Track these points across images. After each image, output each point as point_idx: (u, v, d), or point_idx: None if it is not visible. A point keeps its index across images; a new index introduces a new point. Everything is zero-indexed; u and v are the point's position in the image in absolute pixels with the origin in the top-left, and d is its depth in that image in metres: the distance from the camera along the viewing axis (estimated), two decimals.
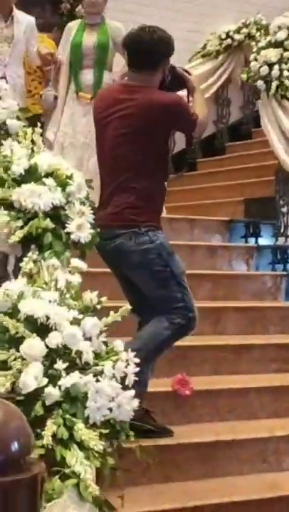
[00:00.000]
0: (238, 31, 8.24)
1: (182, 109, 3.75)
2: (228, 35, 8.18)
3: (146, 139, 3.68)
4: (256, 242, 5.92)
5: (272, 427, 3.95)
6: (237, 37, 8.20)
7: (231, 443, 3.76)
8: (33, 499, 1.88)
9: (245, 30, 8.23)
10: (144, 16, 8.18)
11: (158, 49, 3.71)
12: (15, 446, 1.84)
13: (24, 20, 6.01)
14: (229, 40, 8.17)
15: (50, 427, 2.18)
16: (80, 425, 2.22)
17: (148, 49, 3.73)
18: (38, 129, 3.56)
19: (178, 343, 4.26)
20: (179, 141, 7.46)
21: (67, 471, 2.14)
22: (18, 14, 6.01)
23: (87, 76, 6.06)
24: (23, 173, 3.19)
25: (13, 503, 1.81)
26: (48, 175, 3.23)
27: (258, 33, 7.82)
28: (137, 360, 2.46)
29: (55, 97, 6.16)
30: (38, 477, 1.91)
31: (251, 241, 5.97)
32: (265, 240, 5.90)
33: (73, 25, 6.25)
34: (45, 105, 6.28)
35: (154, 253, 3.66)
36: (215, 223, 5.82)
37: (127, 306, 2.72)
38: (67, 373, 2.34)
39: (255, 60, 5.78)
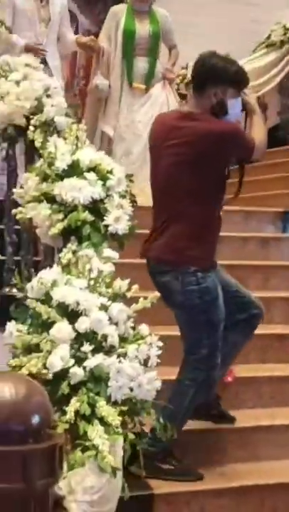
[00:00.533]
0: None
1: (239, 138, 3.70)
2: None
3: (202, 168, 3.61)
4: None
5: None
6: None
7: (270, 428, 3.92)
8: (51, 467, 2.10)
9: None
10: (210, 4, 8.35)
11: (207, 76, 3.68)
12: (35, 418, 2.07)
13: (58, 1, 6.03)
14: None
15: (74, 404, 2.40)
16: (101, 403, 2.43)
17: (199, 73, 3.77)
18: (83, 126, 3.80)
19: None
20: None
21: (87, 443, 2.35)
22: None
23: (140, 65, 6.11)
24: (66, 168, 3.40)
25: (32, 469, 2.03)
26: (90, 169, 3.44)
27: None
28: (160, 344, 2.66)
29: (109, 86, 6.15)
30: (55, 447, 2.13)
31: None
32: None
33: (118, 11, 6.22)
34: (99, 95, 6.22)
35: (196, 296, 3.58)
36: (270, 215, 5.92)
37: (156, 294, 2.93)
38: (94, 355, 2.55)
39: None
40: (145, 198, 5.74)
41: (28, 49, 5.64)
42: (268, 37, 8.41)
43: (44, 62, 5.68)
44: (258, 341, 4.45)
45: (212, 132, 3.62)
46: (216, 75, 3.66)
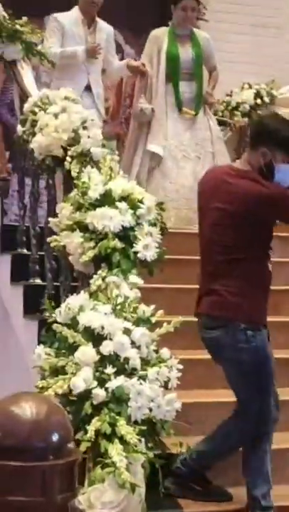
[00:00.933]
0: None
1: (282, 204, 3.69)
2: None
3: (246, 225, 3.61)
4: None
5: None
6: None
7: None
8: (70, 481, 2.26)
9: None
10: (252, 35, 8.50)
11: (259, 134, 3.74)
12: (55, 436, 2.24)
13: (105, 28, 6.07)
14: None
15: (94, 423, 2.55)
16: (121, 422, 2.58)
17: (252, 130, 3.93)
18: (116, 157, 3.97)
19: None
20: None
21: (107, 461, 2.50)
22: (100, 22, 6.06)
23: (186, 89, 6.07)
24: (99, 198, 3.57)
25: (52, 484, 2.19)
26: (122, 199, 3.61)
27: None
28: (180, 366, 2.80)
29: (152, 110, 6.07)
30: (74, 463, 2.30)
31: None
32: None
33: (160, 35, 6.17)
34: (143, 119, 6.12)
35: (246, 355, 3.53)
36: None
37: (180, 318, 3.07)
38: (116, 377, 2.70)
39: None
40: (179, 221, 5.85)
41: (91, 52, 5.83)
42: None
43: (88, 88, 5.88)
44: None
45: (254, 193, 3.62)
46: (266, 136, 3.69)
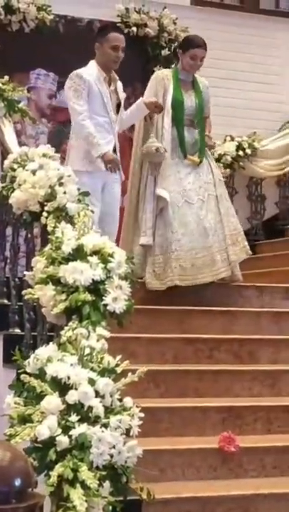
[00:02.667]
0: None
1: None
2: None
3: None
4: None
5: None
6: None
7: (269, 496, 4.14)
8: None
9: None
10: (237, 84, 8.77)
11: None
12: (18, 481, 2.42)
13: (120, 84, 6.00)
14: None
15: (57, 469, 2.72)
16: (83, 468, 2.74)
17: None
18: (89, 212, 4.17)
19: (231, 403, 4.75)
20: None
21: (69, 505, 2.66)
22: (117, 78, 5.96)
23: (188, 135, 6.07)
24: (71, 252, 3.77)
25: None
26: (93, 253, 3.81)
27: None
28: (141, 415, 2.98)
29: (165, 150, 5.98)
30: (36, 506, 2.48)
31: None
32: None
33: (164, 77, 6.15)
34: (157, 159, 6.00)
35: None
36: (283, 290, 6.21)
37: (143, 369, 3.25)
38: (80, 425, 2.88)
39: None
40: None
41: (107, 159, 5.66)
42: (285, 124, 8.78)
43: (114, 151, 5.84)
44: (265, 413, 4.71)
45: None
46: None
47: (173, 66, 6.55)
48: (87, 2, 8.19)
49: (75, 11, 8.21)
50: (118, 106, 5.91)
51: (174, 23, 8.47)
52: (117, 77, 5.88)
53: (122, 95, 5.97)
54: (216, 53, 7.34)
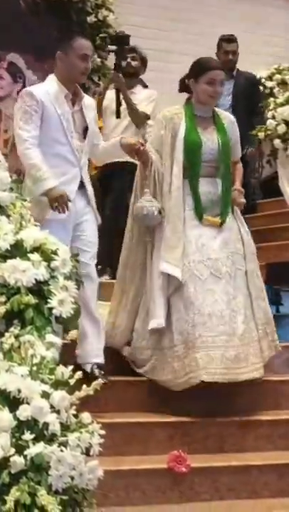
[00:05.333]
0: (270, 78, 8.79)
1: None
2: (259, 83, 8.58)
3: None
4: (277, 310, 6.38)
5: (272, 506, 4.47)
6: (269, 84, 8.74)
7: None
8: None
9: (278, 77, 8.79)
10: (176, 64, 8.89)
11: None
12: None
13: (90, 103, 5.40)
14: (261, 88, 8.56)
15: (13, 494, 2.78)
16: (42, 492, 2.81)
17: None
18: (27, 203, 4.21)
19: (180, 418, 4.86)
20: None
21: None
22: (83, 95, 5.36)
23: (209, 188, 5.30)
24: (9, 249, 3.81)
25: None
26: (34, 249, 3.86)
27: None
28: (102, 432, 3.06)
29: (160, 212, 5.21)
30: None
31: (272, 309, 6.06)
32: (286, 308, 6.36)
33: (173, 116, 5.34)
34: (149, 223, 5.27)
35: None
36: None
37: (99, 381, 3.34)
38: (35, 444, 2.94)
39: (273, 117, 6.35)
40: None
41: (51, 197, 4.92)
42: None
43: (81, 186, 5.20)
44: (216, 429, 4.85)
45: None
46: None
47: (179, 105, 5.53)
48: None
49: None
50: (86, 130, 5.26)
51: None
52: (84, 94, 5.32)
53: (91, 116, 5.31)
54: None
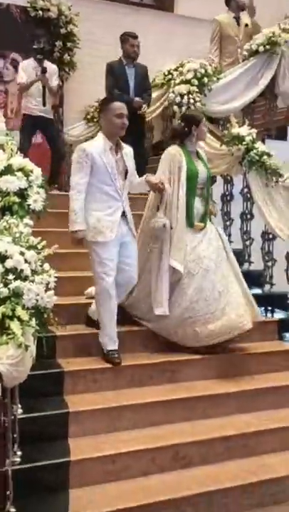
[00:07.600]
0: (176, 69, 8.65)
1: None
2: (169, 72, 8.52)
3: None
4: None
5: None
6: (175, 73, 8.60)
7: None
8: None
9: (180, 69, 8.65)
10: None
11: None
12: None
13: (128, 151, 4.61)
14: (169, 76, 8.45)
15: (2, 310, 2.90)
16: (18, 308, 2.93)
17: None
18: (14, 142, 4.23)
19: None
20: None
21: (10, 331, 2.86)
22: (123, 144, 4.57)
23: (198, 205, 4.83)
24: (3, 169, 3.86)
25: None
26: (19, 169, 3.91)
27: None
28: (56, 275, 3.17)
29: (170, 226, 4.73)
30: None
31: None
32: None
33: (176, 153, 4.81)
34: (165, 235, 4.73)
35: None
36: None
37: (56, 245, 3.43)
38: (15, 281, 3.05)
39: (173, 92, 6.33)
40: None
41: (73, 237, 4.38)
42: (154, 80, 8.77)
43: (123, 214, 4.49)
44: None
45: None
46: None
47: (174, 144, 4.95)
48: None
49: None
50: (126, 172, 4.53)
51: (69, 9, 8.30)
52: (124, 145, 4.55)
53: (130, 162, 4.57)
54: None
